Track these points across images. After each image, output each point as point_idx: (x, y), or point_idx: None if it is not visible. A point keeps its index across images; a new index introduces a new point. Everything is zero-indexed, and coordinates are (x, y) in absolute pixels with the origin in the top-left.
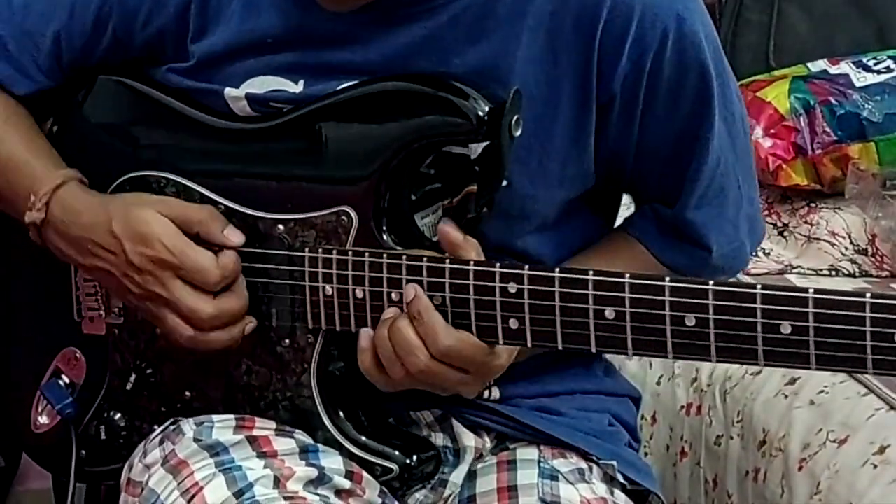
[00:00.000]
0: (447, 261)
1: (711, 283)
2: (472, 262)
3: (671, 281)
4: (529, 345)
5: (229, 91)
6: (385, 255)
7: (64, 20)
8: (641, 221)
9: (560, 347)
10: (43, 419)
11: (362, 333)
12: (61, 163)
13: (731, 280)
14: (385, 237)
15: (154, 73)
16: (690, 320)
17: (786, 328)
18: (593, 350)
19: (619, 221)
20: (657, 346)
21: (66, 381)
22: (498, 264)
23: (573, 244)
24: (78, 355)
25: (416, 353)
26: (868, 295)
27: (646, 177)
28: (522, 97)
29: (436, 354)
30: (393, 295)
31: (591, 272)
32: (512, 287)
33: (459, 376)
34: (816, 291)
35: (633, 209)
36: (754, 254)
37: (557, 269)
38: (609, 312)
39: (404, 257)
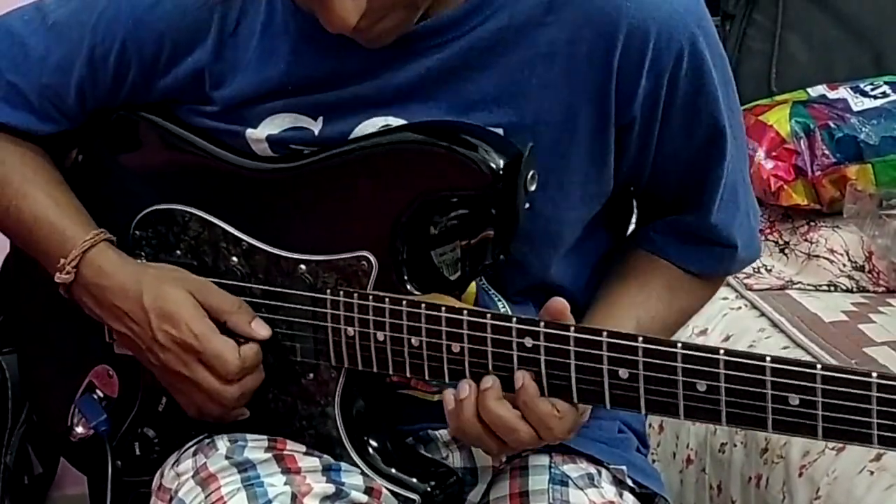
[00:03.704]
0: (465, 312)
1: (722, 351)
2: (488, 316)
3: (683, 347)
4: (546, 396)
5: (250, 133)
6: (405, 303)
7: (85, 72)
8: (658, 237)
9: (575, 401)
10: (79, 430)
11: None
12: (89, 221)
13: (741, 350)
14: (405, 284)
15: (175, 110)
16: (702, 386)
17: (794, 400)
18: (608, 407)
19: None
20: (669, 408)
21: (101, 395)
22: (515, 318)
23: (591, 265)
24: (111, 373)
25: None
26: (874, 374)
27: (664, 187)
28: (536, 149)
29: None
30: (413, 341)
31: (604, 332)
32: (528, 342)
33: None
34: (824, 368)
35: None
36: (758, 269)
37: (572, 328)
38: (623, 373)
39: (423, 305)
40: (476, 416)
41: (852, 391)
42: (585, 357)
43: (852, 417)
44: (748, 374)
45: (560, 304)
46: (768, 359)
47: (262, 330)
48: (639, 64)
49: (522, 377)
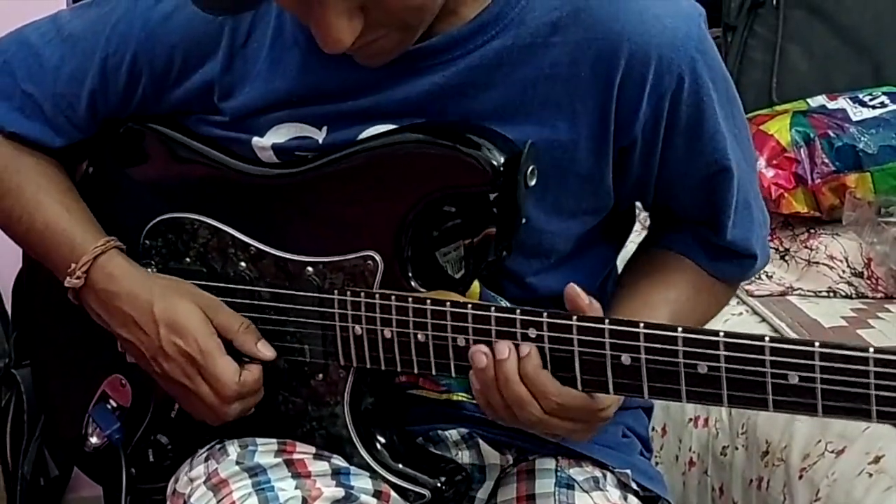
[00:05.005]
0: (469, 306)
1: (722, 334)
2: (493, 309)
3: (683, 331)
4: None
5: (256, 141)
6: (410, 300)
7: (97, 82)
8: (681, 238)
9: (580, 389)
10: (93, 440)
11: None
12: (99, 230)
13: (740, 332)
14: (410, 281)
15: (183, 120)
16: (703, 368)
17: (793, 378)
18: (611, 393)
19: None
20: (671, 392)
21: (114, 404)
22: (518, 310)
23: (587, 277)
24: (123, 382)
25: (528, 408)
26: (871, 350)
27: (675, 206)
28: (537, 146)
29: (548, 411)
30: (419, 336)
31: (606, 321)
32: (532, 332)
33: (571, 426)
34: (822, 345)
35: (643, 234)
36: (758, 276)
37: (575, 318)
38: (625, 358)
39: (428, 301)
40: (502, 383)
41: (850, 367)
42: (588, 345)
43: (851, 391)
44: (748, 355)
45: (571, 289)
46: (767, 338)
47: (267, 351)
48: (640, 87)
49: (529, 347)
